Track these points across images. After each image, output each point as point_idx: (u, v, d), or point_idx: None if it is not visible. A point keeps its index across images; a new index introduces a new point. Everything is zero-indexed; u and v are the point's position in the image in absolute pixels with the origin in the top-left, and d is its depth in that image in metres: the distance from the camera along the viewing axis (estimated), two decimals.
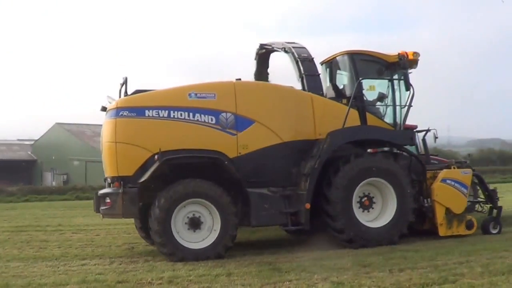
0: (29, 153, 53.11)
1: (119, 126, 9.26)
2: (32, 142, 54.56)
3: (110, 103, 9.81)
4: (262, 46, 12.41)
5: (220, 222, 9.09)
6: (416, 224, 10.33)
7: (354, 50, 10.88)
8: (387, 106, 10.94)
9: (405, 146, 10.71)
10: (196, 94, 9.53)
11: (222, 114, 9.54)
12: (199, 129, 9.43)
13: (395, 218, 9.90)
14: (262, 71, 12.72)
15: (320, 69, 11.24)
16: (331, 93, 11.03)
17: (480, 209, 11.28)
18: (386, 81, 10.85)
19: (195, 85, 9.82)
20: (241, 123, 9.62)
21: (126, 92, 9.59)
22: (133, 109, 9.29)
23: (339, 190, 9.56)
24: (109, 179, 9.72)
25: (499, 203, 11.30)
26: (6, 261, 9.31)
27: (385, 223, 9.91)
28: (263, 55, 12.55)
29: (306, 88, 10.67)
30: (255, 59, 12.66)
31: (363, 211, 9.94)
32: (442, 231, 10.26)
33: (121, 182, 9.13)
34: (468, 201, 10.76)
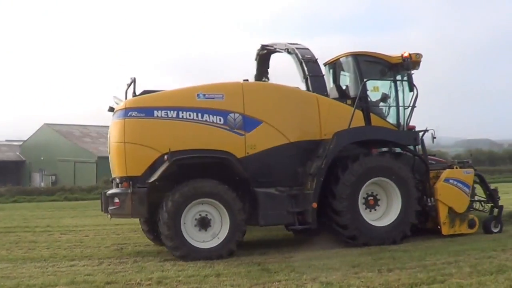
0: (18, 153, 52.55)
1: (128, 126, 9.27)
2: (20, 143, 54.00)
3: (117, 103, 9.82)
4: (263, 47, 12.45)
5: (229, 218, 9.15)
6: (419, 223, 10.46)
7: (358, 51, 10.99)
8: (390, 106, 11.08)
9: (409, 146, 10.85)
10: (204, 95, 9.59)
11: (230, 114, 9.61)
12: (208, 129, 9.48)
13: (398, 219, 10.02)
14: (262, 72, 12.80)
15: (323, 70, 11.34)
16: (335, 94, 11.15)
17: (480, 208, 11.45)
18: (389, 82, 11.00)
19: (203, 85, 9.87)
20: (249, 123, 9.69)
21: (134, 92, 9.61)
22: (142, 109, 9.31)
23: (347, 186, 9.68)
24: (117, 179, 9.74)
25: (500, 202, 11.45)
26: None
27: (388, 223, 10.03)
28: (264, 56, 12.61)
29: (310, 89, 10.76)
30: (256, 59, 12.72)
31: (368, 210, 10.05)
32: (445, 230, 10.41)
33: (130, 182, 9.15)
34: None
